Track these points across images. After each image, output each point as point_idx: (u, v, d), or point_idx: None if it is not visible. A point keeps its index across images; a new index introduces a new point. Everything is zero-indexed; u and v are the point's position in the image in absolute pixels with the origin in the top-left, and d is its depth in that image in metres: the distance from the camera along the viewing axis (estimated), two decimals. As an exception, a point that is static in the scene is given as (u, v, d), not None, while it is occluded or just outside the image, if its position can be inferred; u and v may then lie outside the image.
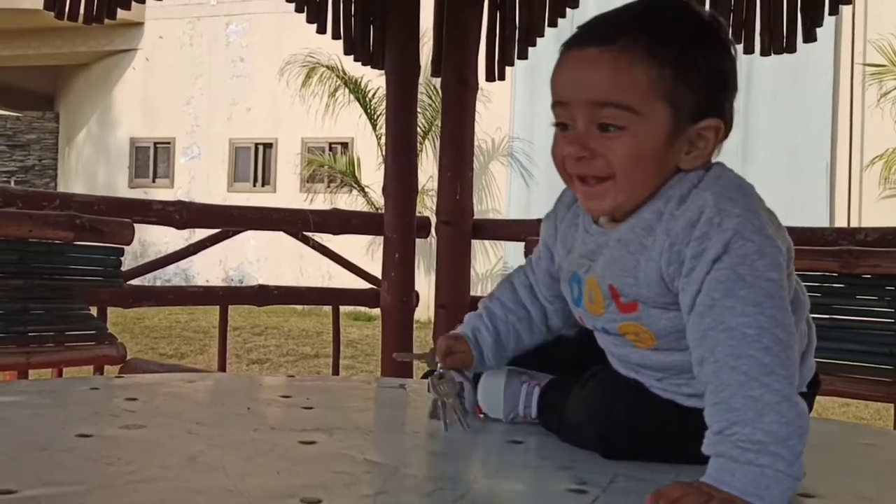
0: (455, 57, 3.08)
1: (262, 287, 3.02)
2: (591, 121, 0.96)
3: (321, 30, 3.17)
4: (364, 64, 3.26)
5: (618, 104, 0.95)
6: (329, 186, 11.91)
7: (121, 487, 0.81)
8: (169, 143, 13.65)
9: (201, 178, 13.06)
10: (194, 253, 2.92)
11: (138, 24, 13.60)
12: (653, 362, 1.02)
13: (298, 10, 3.13)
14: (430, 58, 3.26)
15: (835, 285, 2.47)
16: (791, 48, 2.79)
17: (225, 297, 2.95)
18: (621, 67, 0.94)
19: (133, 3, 2.76)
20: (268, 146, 12.98)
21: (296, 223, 3.02)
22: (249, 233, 11.72)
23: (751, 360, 0.86)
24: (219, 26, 13.15)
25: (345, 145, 12.14)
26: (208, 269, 12.00)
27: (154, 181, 13.52)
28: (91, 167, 14.24)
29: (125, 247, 2.52)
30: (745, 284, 0.88)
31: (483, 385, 1.21)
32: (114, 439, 1.00)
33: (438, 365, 1.16)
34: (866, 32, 10.01)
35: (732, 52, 0.99)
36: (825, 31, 2.89)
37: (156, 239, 11.77)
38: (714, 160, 1.01)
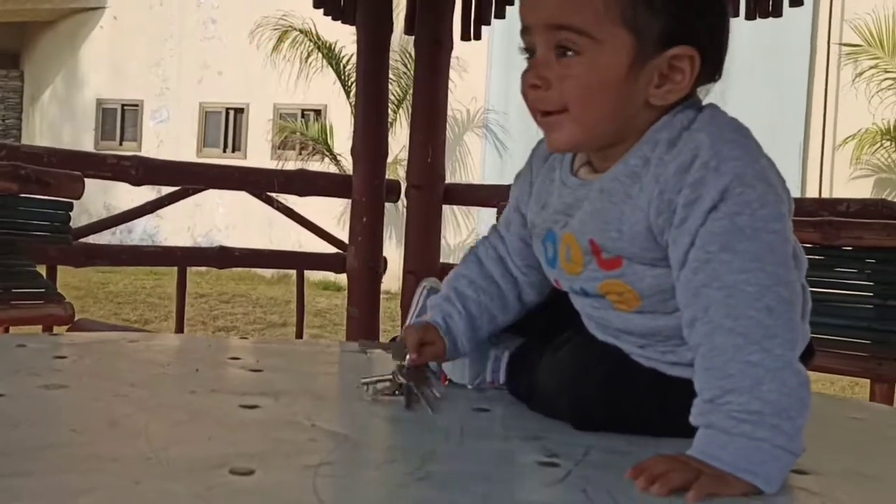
0: (429, 15, 2.95)
1: (223, 248, 2.89)
2: (549, 46, 0.87)
3: (289, -19, 3.02)
4: (334, 19, 3.12)
5: (572, 27, 0.85)
6: (301, 154, 11.70)
7: (20, 454, 0.69)
8: (137, 105, 13.33)
9: (170, 142, 12.77)
10: (152, 211, 2.79)
11: (106, -18, 13.23)
12: (636, 327, 0.92)
13: (266, -42, 2.97)
14: (405, 16, 3.13)
15: (814, 257, 2.40)
16: (777, 12, 2.70)
17: (183, 257, 2.82)
18: None
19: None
20: (239, 111, 12.72)
21: (259, 183, 2.89)
22: (218, 199, 11.45)
23: (750, 322, 0.76)
24: (190, -14, 12.82)
25: (318, 112, 11.92)
26: (176, 235, 11.78)
27: (121, 144, 13.21)
28: (56, 127, 13.88)
29: (75, 202, 2.37)
30: (745, 237, 0.78)
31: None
32: (28, 399, 0.89)
33: (408, 358, 1.02)
34: (843, 12, 9.97)
35: None
36: (803, 10, 2.81)
37: (123, 204, 11.51)
38: (719, 94, 0.91)
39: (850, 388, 5.34)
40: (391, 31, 3.04)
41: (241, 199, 3.07)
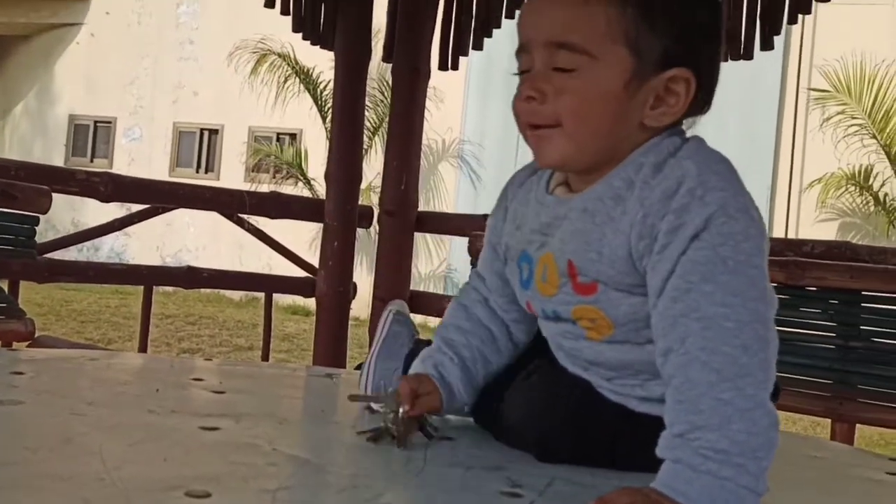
0: (408, 42, 2.97)
1: (191, 269, 2.86)
2: (547, 64, 0.87)
3: (269, 3, 3.03)
4: (313, 43, 3.13)
5: (572, 45, 0.85)
6: (275, 177, 11.65)
7: (-32, 470, 0.67)
8: (110, 122, 13.23)
9: (142, 161, 12.67)
10: (120, 228, 2.75)
11: (84, -1, 13.17)
12: (605, 358, 0.92)
13: (246, -19, 2.98)
14: (383, 44, 3.14)
15: (779, 296, 2.42)
16: (748, 55, 2.75)
17: (150, 276, 2.78)
18: (577, 5, 0.86)
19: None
20: (213, 132, 12.66)
21: (231, 204, 2.87)
22: (188, 219, 11.32)
23: (726, 358, 0.76)
24: (169, 6, 12.79)
25: (293, 136, 11.90)
26: (144, 254, 11.65)
27: (92, 161, 13.08)
28: (26, 142, 13.71)
29: (41, 216, 2.34)
30: (727, 269, 0.78)
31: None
32: (-22, 415, 0.87)
33: (401, 411, 0.95)
34: (812, 57, 10.20)
35: (716, 10, 0.90)
36: (773, 54, 2.87)
37: (92, 221, 11.37)
38: (689, 133, 0.92)
39: (811, 427, 5.38)
40: (369, 57, 3.05)
41: (212, 219, 3.04)
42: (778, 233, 10.26)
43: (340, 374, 1.41)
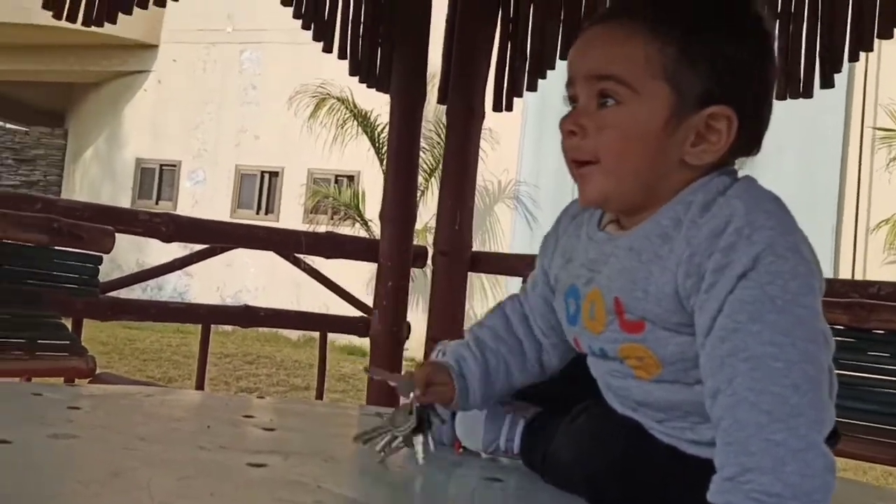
0: (463, 83, 3.00)
1: (248, 308, 2.90)
2: (590, 95, 0.88)
3: (327, 48, 3.10)
4: (369, 86, 3.18)
5: (614, 77, 0.86)
6: (332, 218, 11.81)
7: (21, 502, 0.68)
8: (175, 165, 13.62)
9: (205, 203, 12.98)
10: (180, 268, 2.81)
11: (153, 47, 13.65)
12: (654, 399, 0.90)
13: (305, 27, 3.06)
14: (438, 86, 3.18)
15: (844, 339, 2.35)
16: (808, 93, 2.70)
17: (208, 315, 2.82)
18: (618, 40, 0.86)
19: (147, 25, 2.68)
20: (274, 175, 12.93)
21: (287, 244, 2.91)
22: (248, 260, 11.51)
23: (775, 398, 0.74)
24: (233, 53, 13.19)
25: (351, 178, 12.08)
26: (205, 294, 11.87)
27: (157, 203, 13.45)
28: (95, 185, 14.19)
29: (108, 257, 2.40)
30: (776, 308, 0.77)
31: (462, 412, 1.09)
32: (35, 448, 0.88)
33: (412, 395, 0.98)
34: (877, 97, 9.99)
35: (761, 41, 0.89)
36: (837, 93, 2.81)
37: (155, 261, 11.65)
38: (747, 172, 0.90)
39: (883, 477, 5.15)
40: (424, 99, 3.09)
41: (271, 260, 3.09)
42: (844, 274, 9.98)
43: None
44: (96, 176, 14.43)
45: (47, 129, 15.63)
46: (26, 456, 0.84)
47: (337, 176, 12.22)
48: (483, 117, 3.04)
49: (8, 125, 16.44)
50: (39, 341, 2.29)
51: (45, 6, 2.66)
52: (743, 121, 0.86)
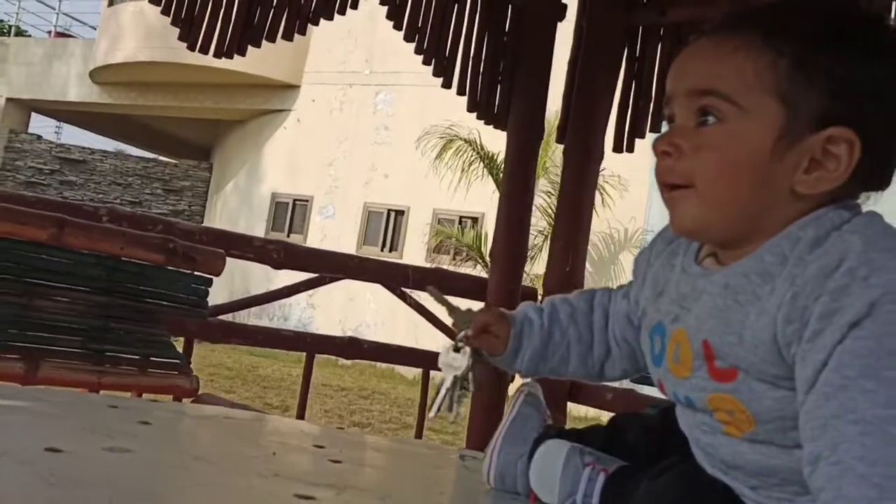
0: (581, 123, 2.92)
1: (352, 339, 2.89)
2: (689, 113, 0.78)
3: (447, 84, 3.10)
4: (487, 123, 3.15)
5: (715, 92, 0.76)
6: (455, 259, 11.88)
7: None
8: (307, 200, 14.10)
9: (332, 237, 13.35)
10: (289, 295, 2.84)
11: (295, 87, 14.28)
12: (746, 461, 0.78)
13: (426, 62, 3.07)
14: (557, 125, 3.12)
15: None
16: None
17: (313, 344, 2.83)
18: (725, 53, 0.76)
19: (291, 68, 2.76)
20: (400, 213, 13.17)
21: (395, 277, 2.89)
22: (369, 295, 11.66)
23: (889, 471, 0.62)
24: (368, 94, 13.61)
25: (475, 220, 12.13)
26: (327, 326, 12.13)
27: (288, 235, 13.94)
28: (234, 216, 14.87)
29: (215, 278, 2.45)
30: (894, 364, 0.65)
31: (538, 459, 1.00)
32: (82, 458, 0.86)
33: (462, 333, 0.97)
34: None
35: (894, 59, 0.76)
36: None
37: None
38: (864, 207, 0.78)
39: None
40: (541, 136, 3.03)
41: (392, 296, 3.09)
42: None
43: (478, 457, 1.32)
44: (235, 207, 15.13)
45: (194, 162, 16.58)
46: (67, 466, 0.82)
47: (461, 217, 12.30)
48: (601, 159, 2.95)
49: (160, 157, 17.56)
50: (150, 358, 2.34)
51: (181, 38, 2.78)
52: (867, 147, 0.74)
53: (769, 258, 0.75)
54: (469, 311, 1.00)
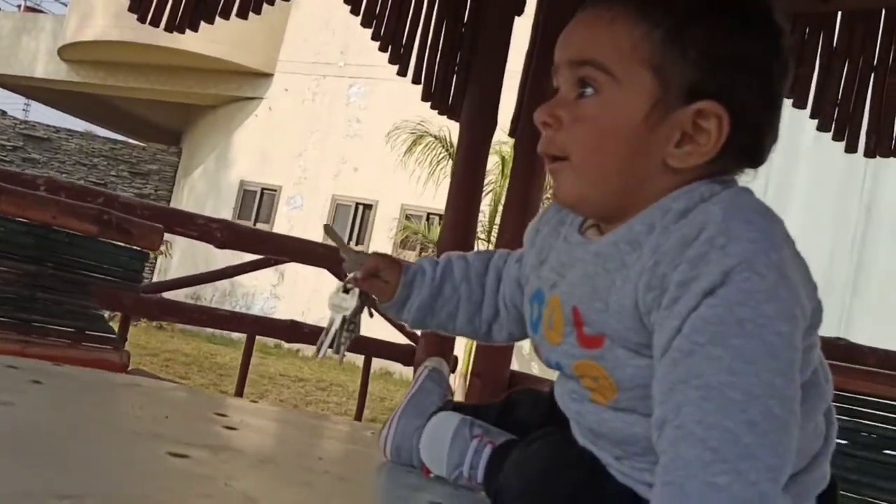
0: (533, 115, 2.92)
1: (294, 323, 2.87)
2: (571, 84, 0.79)
3: (402, 72, 3.09)
4: (440, 113, 3.15)
5: (592, 62, 0.76)
6: (420, 254, 11.87)
7: None
8: (276, 190, 14.01)
9: (299, 228, 13.27)
10: (233, 275, 2.81)
11: (268, 76, 14.17)
12: (610, 429, 0.78)
13: (382, 49, 3.06)
14: (511, 117, 3.12)
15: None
16: (899, 152, 2.51)
17: (254, 325, 2.81)
18: (602, 23, 0.77)
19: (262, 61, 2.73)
20: (368, 207, 13.13)
21: (342, 261, 2.88)
22: (335, 286, 11.72)
23: (726, 435, 0.62)
24: (342, 86, 13.55)
25: (441, 217, 12.12)
26: (290, 316, 12.05)
27: (255, 224, 13.85)
28: (200, 202, 14.72)
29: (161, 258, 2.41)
30: (743, 332, 0.65)
31: (428, 431, 1.00)
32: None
33: (352, 275, 0.98)
34: None
35: (768, 35, 0.77)
36: None
37: (245, 279, 11.99)
38: (740, 184, 0.79)
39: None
40: (494, 129, 3.03)
41: None
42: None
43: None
44: (202, 193, 14.99)
45: (163, 145, 16.39)
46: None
47: (429, 213, 12.29)
48: (552, 152, 2.96)
49: (128, 140, 17.34)
50: (81, 331, 2.30)
51: (131, 9, 2.74)
52: (738, 122, 0.75)
53: (639, 227, 0.75)
54: (362, 253, 1.00)
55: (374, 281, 0.99)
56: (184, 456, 0.84)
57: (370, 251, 1.05)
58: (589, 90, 0.77)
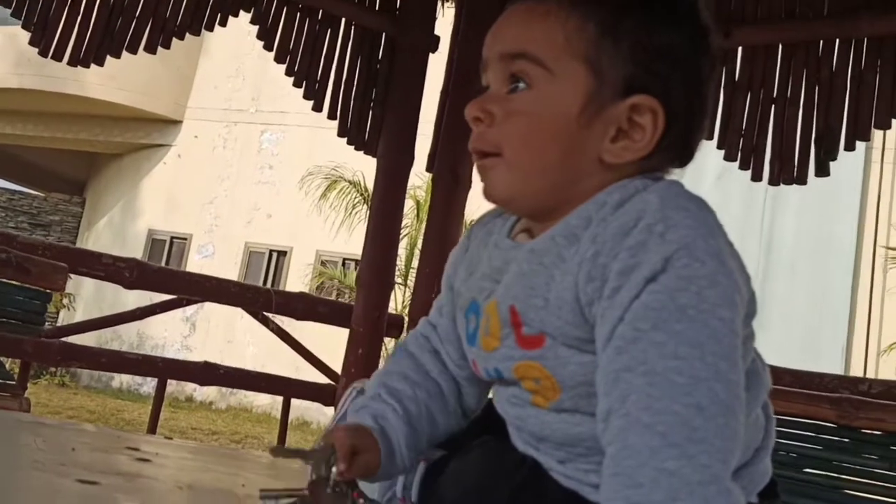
0: (450, 149, 2.93)
1: (207, 364, 2.76)
2: (502, 78, 0.77)
3: (318, 108, 3.07)
4: (357, 148, 3.13)
5: (525, 55, 0.75)
6: (337, 299, 11.72)
7: None
8: (186, 238, 13.67)
9: (210, 277, 12.95)
10: (141, 317, 2.69)
11: (177, 122, 13.92)
12: (553, 431, 0.76)
13: (297, 84, 3.03)
14: (428, 153, 3.13)
15: (833, 437, 2.17)
16: (801, 180, 2.61)
17: (165, 369, 2.69)
18: (536, 17, 0.76)
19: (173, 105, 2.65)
20: (282, 254, 12.94)
21: (257, 301, 2.79)
22: (248, 337, 11.28)
23: (673, 419, 0.61)
24: (254, 133, 13.41)
25: (357, 262, 12.04)
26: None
27: (163, 274, 13.44)
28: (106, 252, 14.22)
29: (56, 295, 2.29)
30: (685, 317, 0.64)
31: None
32: None
33: (334, 470, 0.76)
34: (890, 216, 9.92)
35: (695, 29, 0.77)
36: (849, 210, 2.71)
37: (154, 331, 11.59)
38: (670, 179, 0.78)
39: None
40: (411, 163, 3.02)
41: (273, 339, 2.97)
42: (854, 394, 9.66)
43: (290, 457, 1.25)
44: (107, 244, 14.47)
45: (66, 195, 15.82)
46: None
47: (345, 259, 12.19)
48: (469, 186, 2.96)
49: (28, 190, 16.67)
50: (-24, 379, 2.15)
51: (32, 42, 2.64)
52: (671, 117, 0.75)
53: (575, 221, 0.74)
54: (328, 446, 0.80)
55: (359, 459, 0.79)
56: (94, 483, 0.77)
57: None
58: (521, 84, 0.76)
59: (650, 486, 0.58)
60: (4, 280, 2.19)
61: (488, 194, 0.79)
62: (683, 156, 0.79)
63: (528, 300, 0.74)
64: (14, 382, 2.20)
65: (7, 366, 2.36)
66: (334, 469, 0.77)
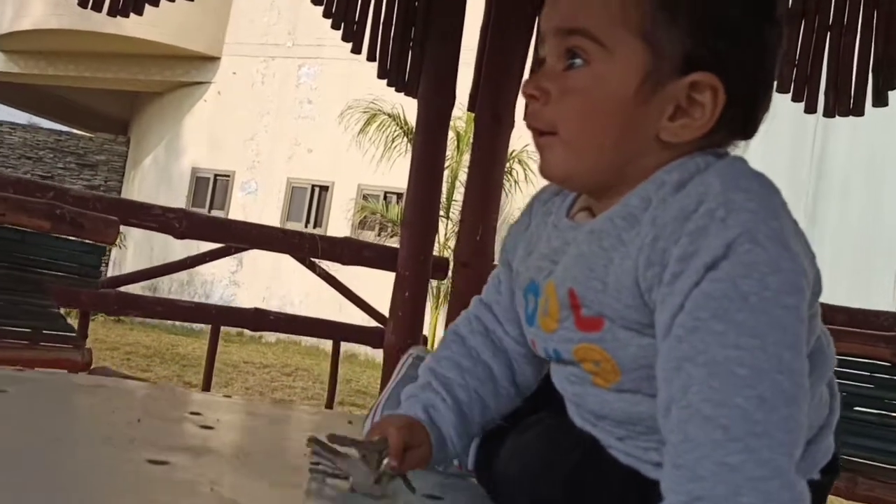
0: (492, 90, 2.88)
1: (258, 310, 2.81)
2: (558, 54, 0.75)
3: (356, 50, 3.03)
4: (397, 90, 3.10)
5: (584, 31, 0.73)
6: (380, 234, 11.79)
7: None
8: (229, 175, 13.80)
9: (255, 213, 13.10)
10: (191, 266, 2.75)
11: (215, 59, 13.90)
12: (613, 410, 0.76)
13: (335, 27, 2.99)
14: (469, 93, 3.08)
15: (886, 376, 2.15)
16: (858, 111, 2.52)
17: (218, 316, 2.75)
18: None
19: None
20: (324, 189, 13.00)
21: (303, 247, 2.82)
22: (294, 273, 11.46)
23: (735, 413, 0.60)
24: (291, 67, 13.34)
25: (399, 195, 12.05)
26: (251, 303, 11.91)
27: (209, 211, 13.63)
28: (152, 192, 14.44)
29: (113, 248, 2.33)
30: (747, 305, 0.63)
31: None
32: None
33: (384, 463, 0.77)
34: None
35: (760, 2, 0.74)
36: None
37: (203, 268, 11.80)
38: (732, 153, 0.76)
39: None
40: (452, 104, 2.98)
41: (318, 277, 3.00)
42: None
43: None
44: (153, 183, 14.70)
45: (111, 135, 16.01)
46: None
47: (386, 192, 12.21)
48: (512, 126, 2.92)
49: (74, 130, 16.90)
50: (40, 331, 2.22)
51: (71, -6, 2.63)
52: (732, 94, 0.72)
53: (634, 202, 0.73)
54: (381, 440, 0.80)
55: (411, 454, 0.81)
56: (164, 462, 0.80)
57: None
58: (578, 61, 0.74)
59: (713, 481, 0.58)
60: (59, 235, 2.23)
61: (545, 172, 0.78)
62: (748, 129, 0.76)
63: (587, 283, 0.73)
64: (75, 334, 2.26)
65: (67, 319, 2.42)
66: (385, 461, 0.79)
